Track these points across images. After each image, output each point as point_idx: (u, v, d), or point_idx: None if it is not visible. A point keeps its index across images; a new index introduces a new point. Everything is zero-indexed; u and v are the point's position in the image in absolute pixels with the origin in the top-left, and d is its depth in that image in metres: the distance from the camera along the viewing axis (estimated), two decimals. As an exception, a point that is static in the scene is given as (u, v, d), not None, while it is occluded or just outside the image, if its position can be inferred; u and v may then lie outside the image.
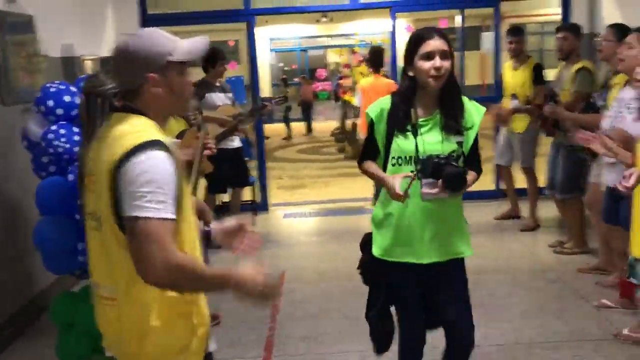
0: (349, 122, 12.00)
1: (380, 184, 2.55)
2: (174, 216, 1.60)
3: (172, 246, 1.58)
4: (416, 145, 2.39)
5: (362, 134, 6.98)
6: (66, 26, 5.15)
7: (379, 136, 2.48)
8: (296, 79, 18.19)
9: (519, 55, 5.55)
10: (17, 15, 4.23)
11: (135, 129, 1.64)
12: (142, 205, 1.54)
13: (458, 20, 8.19)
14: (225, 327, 3.93)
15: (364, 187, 8.07)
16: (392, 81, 6.74)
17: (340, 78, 11.98)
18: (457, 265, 2.56)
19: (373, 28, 15.11)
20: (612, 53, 3.96)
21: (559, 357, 3.32)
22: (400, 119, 2.42)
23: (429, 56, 2.32)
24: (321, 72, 19.25)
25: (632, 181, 2.61)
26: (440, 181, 2.32)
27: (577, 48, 4.79)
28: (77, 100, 2.87)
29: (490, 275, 4.55)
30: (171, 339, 1.70)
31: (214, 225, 2.13)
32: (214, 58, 5.33)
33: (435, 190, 2.34)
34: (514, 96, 5.49)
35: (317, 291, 4.49)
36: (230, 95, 5.51)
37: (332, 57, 21.98)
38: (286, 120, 14.60)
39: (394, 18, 6.60)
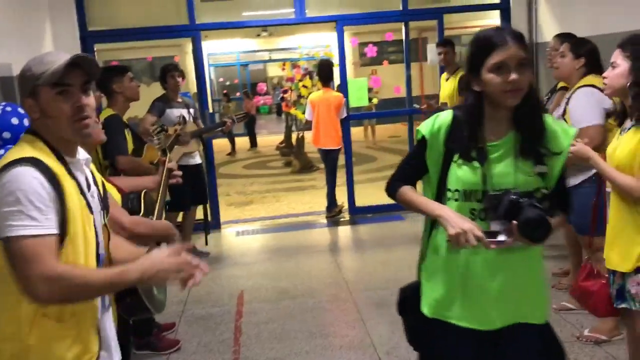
0: (294, 136, 12.00)
1: (431, 219, 2.01)
2: (50, 231, 1.56)
3: (51, 259, 1.55)
4: (484, 176, 1.89)
5: (314, 145, 6.98)
6: (2, 45, 4.91)
7: (431, 160, 1.98)
8: (238, 94, 18.09)
9: (450, 66, 5.73)
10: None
11: (13, 151, 1.66)
12: (13, 225, 1.53)
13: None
14: (186, 353, 3.79)
15: (314, 201, 8.07)
16: (341, 94, 6.79)
17: (285, 92, 11.93)
18: (528, 332, 1.97)
19: (314, 42, 15.19)
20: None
21: None
22: (463, 141, 1.91)
23: (500, 67, 1.82)
24: (262, 87, 19.19)
25: (575, 149, 2.60)
26: (515, 225, 1.80)
27: None
28: (27, 123, 2.72)
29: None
30: None
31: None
32: (162, 74, 5.28)
33: (506, 239, 1.84)
34: (444, 106, 5.64)
35: (279, 310, 4.40)
36: (192, 110, 5.43)
37: (274, 71, 21.97)
38: (230, 136, 14.43)
39: (341, 31, 6.63)
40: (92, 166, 1.88)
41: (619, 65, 2.55)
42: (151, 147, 3.99)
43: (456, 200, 1.94)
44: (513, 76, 1.80)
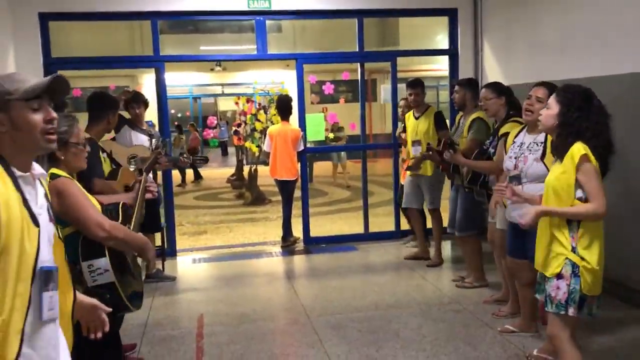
0: (246, 169, 12.16)
1: None
2: None
3: None
4: None
5: (271, 176, 7.19)
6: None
7: None
8: (189, 126, 18.15)
9: (420, 106, 6.09)
10: None
11: None
12: None
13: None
14: (150, 373, 3.88)
15: (268, 232, 8.26)
16: (298, 128, 7.06)
17: (238, 125, 12.14)
18: None
19: (268, 78, 15.54)
20: (496, 107, 4.65)
21: (474, 379, 3.63)
22: None
23: None
24: (212, 120, 19.30)
25: (528, 219, 2.97)
26: None
27: (473, 100, 5.35)
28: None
29: (402, 310, 4.86)
30: None
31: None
32: (129, 102, 5.48)
33: None
34: (416, 143, 5.99)
35: (240, 333, 4.52)
36: (154, 140, 5.58)
37: (225, 105, 22.17)
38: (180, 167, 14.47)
39: (300, 69, 6.95)
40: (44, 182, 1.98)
41: (551, 108, 2.97)
42: (126, 170, 4.13)
43: None
44: None
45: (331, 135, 13.47)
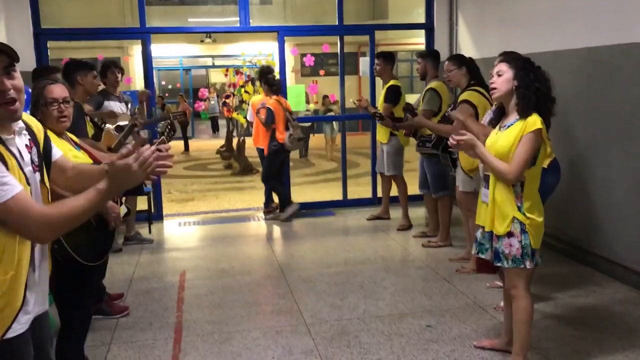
0: (234, 140, 12.46)
1: None
2: (21, 187, 1.79)
3: (36, 207, 1.82)
4: None
5: (254, 145, 7.49)
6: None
7: None
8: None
9: (382, 76, 6.43)
10: None
11: None
12: None
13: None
14: (135, 317, 4.27)
15: (253, 199, 8.62)
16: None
17: (227, 97, 12.38)
18: None
19: (257, 50, 15.72)
20: (458, 78, 5.00)
21: (425, 322, 4.02)
22: None
23: None
24: (203, 92, 19.42)
25: (458, 139, 3.17)
26: None
27: (433, 71, 5.71)
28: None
29: (369, 266, 5.26)
30: None
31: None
32: (103, 70, 5.73)
33: None
34: (376, 110, 6.34)
35: (219, 286, 4.92)
36: (129, 105, 5.87)
37: (217, 77, 22.32)
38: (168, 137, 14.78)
39: (282, 41, 7.23)
40: (34, 126, 2.09)
41: (504, 73, 3.22)
42: (108, 132, 4.46)
43: None
44: None
45: (322, 108, 13.76)
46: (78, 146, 3.21)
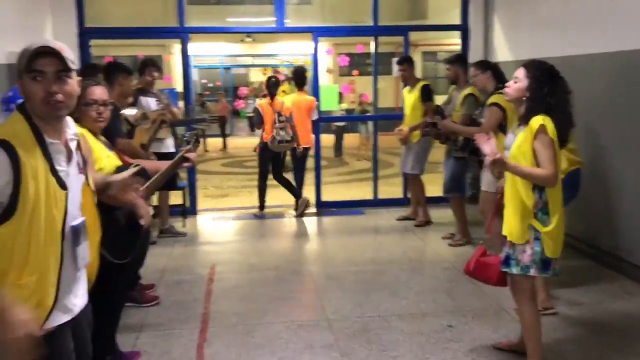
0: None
1: None
2: None
3: None
4: None
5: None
6: (10, 36, 5.50)
7: None
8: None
9: (409, 80, 6.47)
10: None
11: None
12: None
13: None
14: (165, 307, 4.43)
15: (285, 196, 8.73)
16: (313, 98, 7.47)
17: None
18: None
19: (295, 49, 15.91)
20: (483, 82, 5.06)
21: (446, 322, 4.06)
22: None
23: None
24: (242, 91, 19.68)
25: (488, 160, 3.10)
26: None
27: (464, 75, 5.76)
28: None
29: (395, 265, 5.31)
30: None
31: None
32: (142, 68, 5.92)
33: None
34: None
35: (246, 279, 5.06)
36: (162, 101, 6.04)
37: (256, 76, 22.60)
38: (203, 135, 15.20)
39: (316, 41, 7.33)
40: (85, 136, 2.20)
41: (520, 81, 3.25)
42: (140, 130, 4.64)
43: None
44: None
45: (358, 108, 13.82)
46: (110, 148, 3.36)
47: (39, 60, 1.88)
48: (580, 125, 3.85)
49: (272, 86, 7.36)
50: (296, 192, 7.44)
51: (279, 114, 7.15)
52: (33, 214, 1.87)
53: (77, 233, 2.02)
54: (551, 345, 3.67)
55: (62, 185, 1.95)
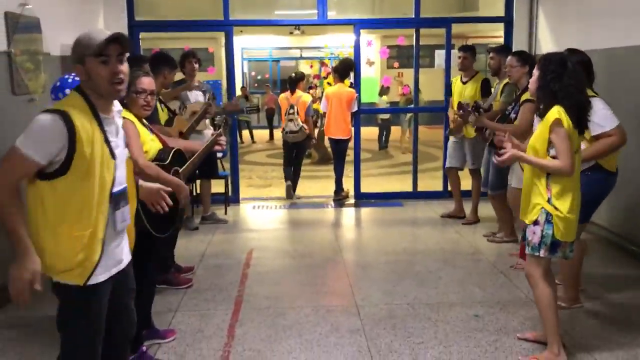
0: (316, 130, 12.75)
1: None
2: (33, 158, 2.08)
3: (11, 174, 2.08)
4: None
5: (325, 135, 7.76)
6: (64, 28, 5.79)
7: None
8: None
9: (467, 70, 6.39)
10: (28, 17, 4.89)
11: (58, 102, 2.28)
12: (18, 139, 2.12)
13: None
14: (199, 290, 4.62)
15: (327, 187, 8.86)
16: (353, 90, 7.54)
17: (310, 88, 12.71)
18: None
19: (341, 41, 15.94)
20: (518, 75, 4.96)
21: (473, 312, 4.10)
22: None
23: None
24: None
25: (503, 158, 3.32)
26: None
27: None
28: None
29: (427, 256, 5.36)
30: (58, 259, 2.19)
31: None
32: (182, 60, 6.08)
33: None
34: (459, 105, 6.32)
35: (280, 265, 5.21)
36: (207, 95, 6.22)
37: (304, 69, 22.78)
38: (249, 127, 15.95)
39: (358, 34, 7.40)
40: (133, 121, 2.57)
41: (534, 75, 3.35)
42: (180, 118, 4.83)
43: None
44: None
45: (402, 99, 13.81)
46: (152, 130, 3.56)
47: (109, 46, 2.18)
48: (622, 117, 3.84)
49: (292, 82, 7.82)
50: (294, 189, 7.97)
51: (291, 107, 7.61)
52: (88, 174, 2.15)
53: (120, 198, 2.33)
54: (577, 337, 3.67)
55: (113, 154, 2.26)
